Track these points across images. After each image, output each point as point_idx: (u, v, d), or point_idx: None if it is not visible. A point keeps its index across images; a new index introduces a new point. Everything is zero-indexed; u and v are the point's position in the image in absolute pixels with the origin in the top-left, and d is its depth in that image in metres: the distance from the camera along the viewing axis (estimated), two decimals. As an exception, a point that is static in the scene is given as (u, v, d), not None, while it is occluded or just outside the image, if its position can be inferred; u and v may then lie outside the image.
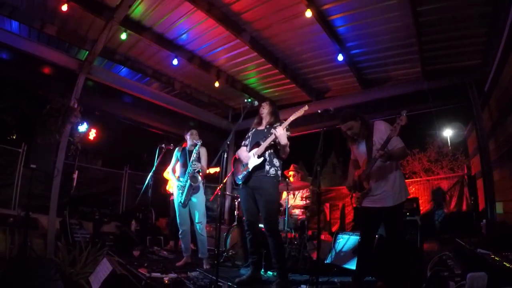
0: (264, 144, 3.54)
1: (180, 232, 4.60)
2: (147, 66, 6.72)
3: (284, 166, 5.01)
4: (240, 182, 3.70)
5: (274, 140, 3.48)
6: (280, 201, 5.13)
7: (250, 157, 3.62)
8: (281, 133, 3.37)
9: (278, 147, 3.55)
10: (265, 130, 3.71)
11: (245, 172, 3.62)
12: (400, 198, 3.11)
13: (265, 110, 3.80)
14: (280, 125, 3.49)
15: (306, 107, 3.53)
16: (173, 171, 4.74)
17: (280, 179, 3.67)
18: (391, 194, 3.09)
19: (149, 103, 6.87)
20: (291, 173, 5.82)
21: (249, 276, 3.66)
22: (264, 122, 3.81)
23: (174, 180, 4.64)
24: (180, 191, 4.48)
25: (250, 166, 3.57)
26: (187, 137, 4.71)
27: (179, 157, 4.71)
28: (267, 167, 3.54)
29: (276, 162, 3.60)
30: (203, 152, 4.63)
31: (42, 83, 5.39)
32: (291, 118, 3.46)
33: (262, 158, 3.53)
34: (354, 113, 3.30)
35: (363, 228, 3.38)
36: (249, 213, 3.69)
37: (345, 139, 3.46)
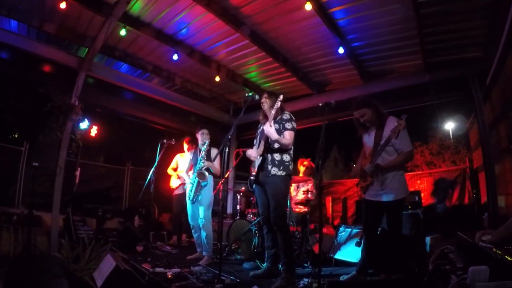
0: (261, 144, 3.54)
1: (191, 227, 4.71)
2: (147, 62, 6.70)
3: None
4: (253, 183, 3.62)
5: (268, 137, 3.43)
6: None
7: (256, 158, 3.59)
8: (268, 129, 3.33)
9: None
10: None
11: (254, 173, 3.59)
12: (402, 193, 3.16)
13: (266, 105, 3.61)
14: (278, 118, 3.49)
15: (281, 97, 3.45)
16: (187, 172, 4.79)
17: (287, 172, 3.49)
18: (394, 190, 3.13)
19: (150, 99, 6.88)
20: (304, 164, 5.54)
21: (265, 270, 3.66)
22: (269, 118, 3.55)
23: (187, 179, 4.72)
24: (190, 188, 4.59)
25: (255, 167, 3.55)
26: (199, 136, 4.75)
27: (192, 158, 4.81)
28: (269, 167, 3.46)
29: (285, 157, 3.49)
30: (215, 152, 4.66)
31: (42, 81, 5.39)
32: (273, 112, 3.42)
33: (261, 158, 3.51)
34: (368, 100, 3.34)
35: (365, 221, 3.40)
36: (264, 209, 3.60)
37: (352, 129, 3.49)
